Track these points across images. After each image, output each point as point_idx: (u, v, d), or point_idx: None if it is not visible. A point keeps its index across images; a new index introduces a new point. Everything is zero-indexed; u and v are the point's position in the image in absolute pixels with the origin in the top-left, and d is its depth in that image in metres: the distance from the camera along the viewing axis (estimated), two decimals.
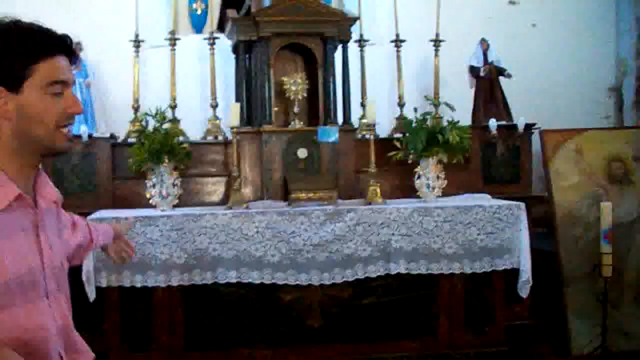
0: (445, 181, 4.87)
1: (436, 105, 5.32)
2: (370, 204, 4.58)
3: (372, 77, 5.63)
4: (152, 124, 4.60)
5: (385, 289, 4.49)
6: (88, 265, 4.09)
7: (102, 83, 5.38)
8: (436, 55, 5.54)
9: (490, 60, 5.60)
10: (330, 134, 4.71)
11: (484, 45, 5.62)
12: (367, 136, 4.89)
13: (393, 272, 4.39)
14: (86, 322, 4.55)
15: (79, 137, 4.81)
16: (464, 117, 5.22)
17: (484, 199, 4.82)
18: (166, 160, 4.53)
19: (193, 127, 5.25)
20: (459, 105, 5.09)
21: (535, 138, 5.41)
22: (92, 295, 4.12)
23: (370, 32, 5.69)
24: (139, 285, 4.20)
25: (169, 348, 4.33)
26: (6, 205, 1.50)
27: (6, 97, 1.52)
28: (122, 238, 2.49)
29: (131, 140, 4.90)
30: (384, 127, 5.51)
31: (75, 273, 4.13)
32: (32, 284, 1.54)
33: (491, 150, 5.38)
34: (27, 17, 1.70)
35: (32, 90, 1.53)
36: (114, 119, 5.37)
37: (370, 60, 5.62)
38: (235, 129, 4.66)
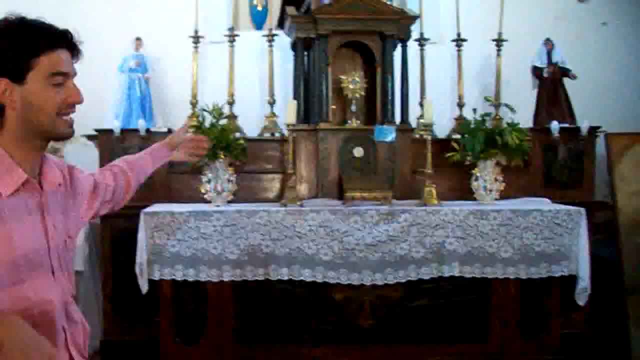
0: (503, 184, 4.78)
1: (496, 106, 5.21)
2: (425, 205, 4.51)
3: (432, 76, 5.53)
4: (209, 119, 4.63)
5: (437, 292, 4.43)
6: (141, 258, 4.17)
7: (161, 78, 5.43)
8: (498, 55, 5.39)
9: (554, 60, 5.45)
10: (387, 134, 4.67)
11: (549, 45, 5.47)
12: (425, 136, 4.81)
13: (446, 275, 4.31)
14: (139, 314, 4.69)
15: (137, 130, 4.90)
16: (526, 119, 5.10)
17: (543, 203, 4.70)
18: (222, 156, 4.55)
19: (250, 124, 5.26)
20: (521, 107, 4.97)
21: (600, 141, 5.24)
22: (144, 287, 4.19)
23: (431, 30, 5.58)
24: (191, 279, 4.24)
25: (219, 342, 4.36)
26: (15, 190, 1.63)
27: (11, 88, 1.65)
28: (186, 140, 2.68)
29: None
30: (444, 128, 5.42)
31: (128, 265, 4.24)
32: (39, 262, 1.67)
33: (553, 153, 5.22)
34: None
35: (35, 82, 1.67)
36: (171, 113, 5.42)
37: (430, 59, 5.51)
38: (291, 126, 4.66)
